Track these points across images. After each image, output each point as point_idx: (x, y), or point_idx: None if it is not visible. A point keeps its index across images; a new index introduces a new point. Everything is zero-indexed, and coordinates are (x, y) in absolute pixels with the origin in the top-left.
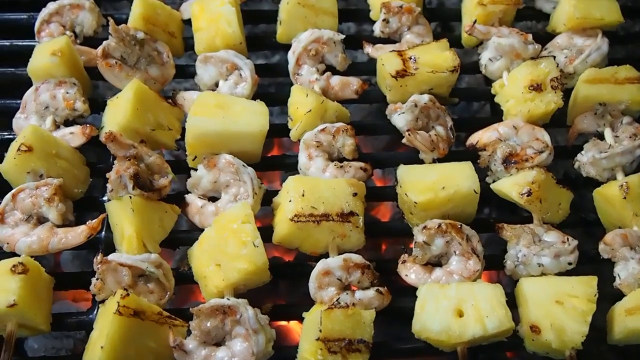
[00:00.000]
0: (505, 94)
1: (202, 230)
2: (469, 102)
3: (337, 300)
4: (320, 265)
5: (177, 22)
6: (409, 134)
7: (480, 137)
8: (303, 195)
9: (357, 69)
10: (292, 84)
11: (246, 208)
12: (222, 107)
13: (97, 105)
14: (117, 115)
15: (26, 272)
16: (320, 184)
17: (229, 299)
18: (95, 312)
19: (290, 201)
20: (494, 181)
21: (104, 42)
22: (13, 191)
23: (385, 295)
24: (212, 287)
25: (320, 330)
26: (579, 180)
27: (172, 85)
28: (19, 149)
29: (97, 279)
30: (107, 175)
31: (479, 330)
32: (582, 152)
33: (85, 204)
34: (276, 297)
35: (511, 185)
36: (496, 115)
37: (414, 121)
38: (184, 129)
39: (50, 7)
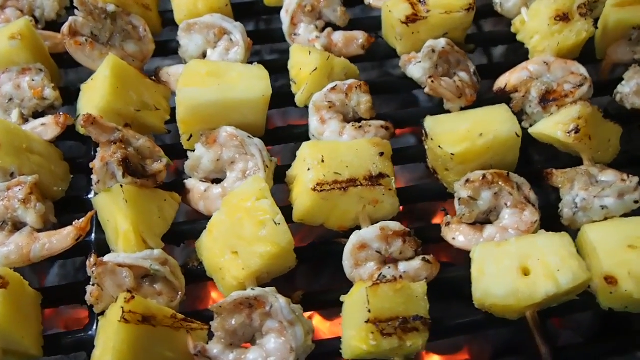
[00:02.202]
0: (528, 31)
1: (208, 217)
2: (486, 47)
3: (379, 276)
4: (354, 238)
5: None
6: (432, 81)
7: (508, 79)
8: (322, 161)
9: (358, 26)
10: (288, 50)
11: (259, 182)
12: (216, 75)
13: (68, 94)
14: (94, 97)
15: (5, 286)
16: (340, 147)
17: (253, 290)
18: (94, 327)
19: (308, 169)
20: (530, 125)
21: (70, 18)
22: None
23: (433, 263)
24: (231, 279)
25: (369, 311)
26: (622, 115)
27: (153, 64)
28: None
29: (93, 285)
30: (91, 164)
31: (552, 287)
32: (623, 82)
33: (67, 205)
34: (298, 286)
35: (554, 125)
36: (518, 58)
37: (433, 69)
38: (172, 110)
39: None
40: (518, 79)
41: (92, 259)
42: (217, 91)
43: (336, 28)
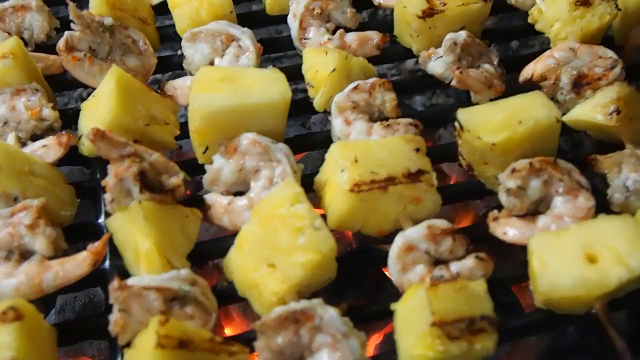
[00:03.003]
0: (547, 19)
1: (234, 234)
2: (499, 42)
3: (434, 277)
4: (400, 240)
5: (146, 7)
6: (459, 72)
7: (534, 68)
8: (356, 161)
9: (368, 28)
10: (295, 57)
11: (293, 186)
12: (230, 81)
13: (67, 117)
14: (99, 113)
15: (21, 318)
16: (372, 146)
17: (298, 303)
18: None
19: (342, 171)
20: (563, 114)
21: (66, 33)
22: None
23: (487, 261)
24: (269, 295)
25: (433, 313)
26: None
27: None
28: None
29: (119, 311)
30: (103, 182)
31: (624, 272)
32: None
33: (76, 232)
34: (339, 299)
35: (592, 109)
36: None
37: (456, 62)
38: (181, 125)
39: None
40: (545, 67)
41: (115, 283)
42: (234, 96)
43: (346, 30)
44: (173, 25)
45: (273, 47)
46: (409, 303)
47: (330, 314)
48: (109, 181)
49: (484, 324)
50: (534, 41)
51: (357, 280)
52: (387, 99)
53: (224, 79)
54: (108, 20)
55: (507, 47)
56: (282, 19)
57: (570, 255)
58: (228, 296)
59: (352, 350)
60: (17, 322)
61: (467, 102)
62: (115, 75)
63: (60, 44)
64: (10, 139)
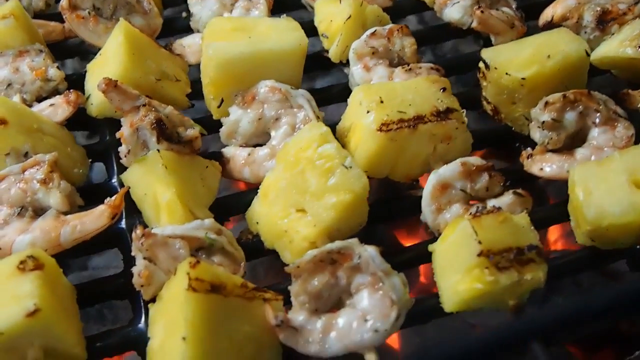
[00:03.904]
0: None
1: (256, 187)
2: None
3: (475, 211)
4: (434, 178)
5: None
6: (481, 12)
7: (554, 10)
8: (381, 102)
9: None
10: (303, 15)
11: (318, 126)
12: (243, 29)
13: (71, 82)
14: (108, 69)
15: (41, 268)
16: (397, 87)
17: (333, 243)
18: (142, 319)
19: (368, 112)
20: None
21: None
22: None
23: (526, 197)
24: (301, 240)
25: (480, 242)
26: None
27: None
28: None
29: (143, 261)
30: (118, 134)
31: None
32: None
33: (89, 194)
34: None
35: (619, 44)
36: None
37: (474, 6)
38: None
39: None
40: (565, 7)
41: (139, 230)
42: (249, 44)
43: None
44: None
45: (278, 6)
46: (449, 239)
47: (369, 252)
48: (124, 132)
49: (532, 254)
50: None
51: (387, 229)
52: (406, 44)
53: (238, 28)
54: None
55: None
56: None
57: (616, 182)
58: (254, 250)
59: (395, 289)
60: (38, 271)
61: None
62: (124, 29)
63: (64, 2)
64: (16, 100)
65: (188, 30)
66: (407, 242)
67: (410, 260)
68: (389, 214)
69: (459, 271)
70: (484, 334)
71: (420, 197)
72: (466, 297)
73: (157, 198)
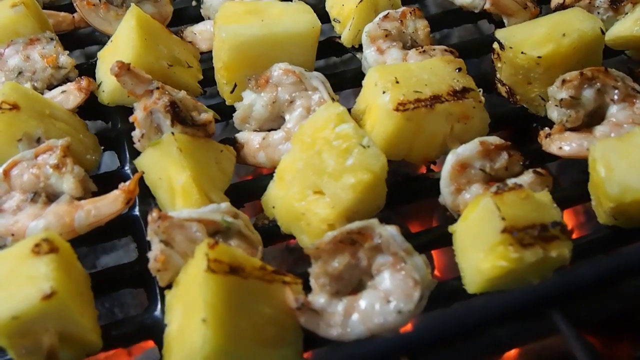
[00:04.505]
0: None
1: (271, 172)
2: None
3: (497, 189)
4: (452, 158)
5: None
6: None
7: None
8: (397, 82)
9: None
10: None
11: (335, 106)
12: (256, 12)
13: (82, 71)
14: (121, 54)
15: (56, 251)
16: (412, 68)
17: (352, 224)
18: (158, 306)
19: (384, 92)
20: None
21: None
22: (4, 167)
23: (546, 176)
24: (319, 222)
25: (503, 219)
26: None
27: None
28: (0, 109)
29: (159, 244)
30: (131, 118)
31: None
32: None
33: (102, 181)
34: None
35: (634, 23)
36: None
37: None
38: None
39: None
40: None
41: (155, 213)
42: (262, 26)
43: None
44: None
45: None
46: (471, 217)
47: (389, 231)
48: (137, 115)
49: (556, 230)
50: None
51: (405, 211)
52: (419, 27)
53: (250, 11)
54: None
55: None
56: None
57: (639, 157)
58: (270, 234)
59: (417, 268)
60: (53, 254)
61: None
62: (135, 14)
63: None
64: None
65: (198, 20)
66: None
67: (428, 244)
68: (405, 197)
69: (482, 249)
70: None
71: (437, 179)
72: (490, 275)
73: (172, 182)
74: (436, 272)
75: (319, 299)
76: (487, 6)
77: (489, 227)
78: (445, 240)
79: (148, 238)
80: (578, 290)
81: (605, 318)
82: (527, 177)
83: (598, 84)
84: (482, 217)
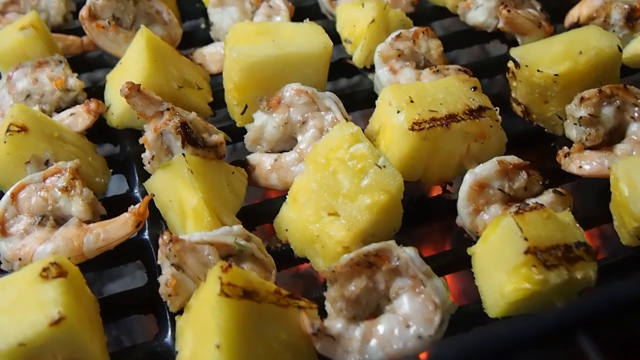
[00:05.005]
0: None
1: (281, 194)
2: None
3: (518, 208)
4: (470, 178)
5: None
6: (507, 11)
7: (579, 11)
8: (412, 101)
9: None
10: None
11: (349, 126)
12: (267, 33)
13: (90, 94)
14: (130, 75)
15: (65, 275)
16: (426, 87)
17: (369, 245)
18: (169, 332)
19: (398, 112)
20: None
21: (88, 1)
22: (12, 189)
23: (567, 196)
24: (334, 245)
25: (526, 239)
26: None
27: None
28: (8, 131)
29: (170, 268)
30: (142, 140)
31: None
32: None
33: (111, 204)
34: None
35: None
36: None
37: (498, 7)
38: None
39: None
40: (591, 7)
41: (166, 236)
42: (274, 47)
43: None
44: (193, 3)
45: (298, 15)
46: (491, 238)
47: (408, 253)
48: (148, 136)
49: (580, 251)
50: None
51: (421, 234)
52: (432, 46)
53: (261, 32)
54: None
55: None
56: None
57: None
58: (283, 258)
59: (437, 291)
60: (61, 278)
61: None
62: (145, 36)
63: (83, 11)
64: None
65: (208, 42)
66: None
67: (445, 267)
68: (421, 218)
69: (504, 271)
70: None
71: (453, 200)
72: (513, 298)
73: (183, 204)
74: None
75: (335, 323)
76: (500, 25)
77: (511, 248)
78: (463, 263)
79: (159, 262)
80: (606, 314)
81: (634, 342)
82: (547, 197)
83: (618, 101)
84: (503, 237)
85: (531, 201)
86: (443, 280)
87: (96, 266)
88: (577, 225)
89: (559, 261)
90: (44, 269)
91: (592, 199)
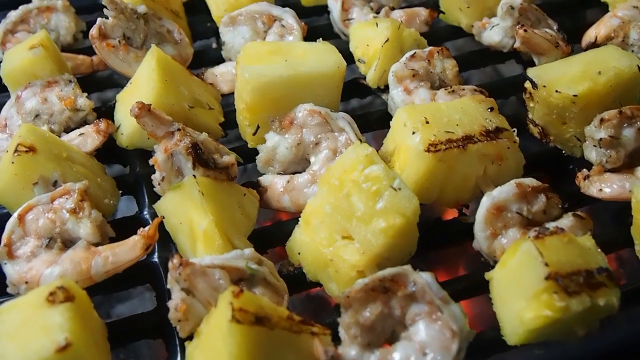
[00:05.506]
0: None
1: (296, 216)
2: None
3: (537, 233)
4: (487, 201)
5: (178, 1)
6: (524, 30)
7: (597, 31)
8: (427, 122)
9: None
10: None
11: (363, 147)
12: (279, 53)
13: (100, 114)
14: (141, 95)
15: (72, 300)
16: (442, 108)
17: (384, 270)
18: (178, 359)
19: (413, 133)
20: None
21: (99, 20)
22: (19, 211)
23: (586, 220)
24: (348, 269)
25: (547, 264)
26: None
27: None
28: (16, 151)
29: (180, 292)
30: (152, 161)
31: None
32: None
33: (119, 227)
34: None
35: None
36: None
37: (515, 27)
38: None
39: (13, 15)
40: (609, 27)
41: (176, 259)
42: (287, 67)
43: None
44: (204, 22)
45: (311, 34)
46: (510, 263)
47: (424, 278)
48: (158, 157)
49: (602, 277)
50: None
51: (436, 257)
52: (447, 66)
53: (274, 52)
54: (142, 8)
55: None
56: (318, 10)
57: None
58: (296, 282)
59: (455, 318)
60: (68, 303)
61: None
62: (156, 55)
63: (93, 31)
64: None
65: (219, 61)
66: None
67: (462, 292)
68: (437, 242)
69: (524, 297)
70: None
71: (470, 223)
72: (533, 326)
73: (194, 227)
74: None
75: (350, 350)
76: (517, 45)
77: (530, 274)
78: (480, 288)
79: (168, 286)
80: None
81: None
82: (567, 221)
83: (638, 122)
84: (523, 262)
85: (550, 225)
86: (460, 307)
87: (104, 289)
88: (599, 250)
89: (581, 287)
90: (51, 293)
91: (609, 221)
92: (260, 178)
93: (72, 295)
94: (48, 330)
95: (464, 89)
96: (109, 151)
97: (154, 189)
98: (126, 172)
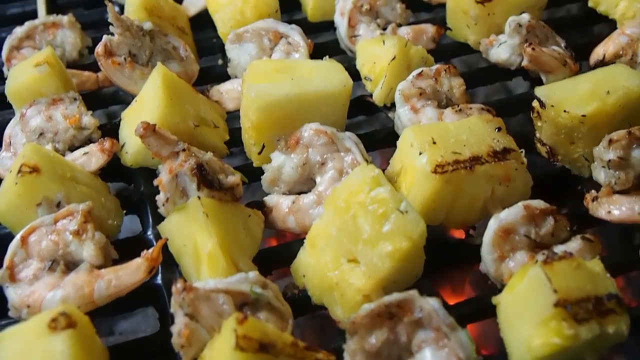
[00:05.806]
0: (610, 0)
1: (301, 238)
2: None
3: (546, 257)
4: (494, 224)
5: (184, 17)
6: (532, 49)
7: (605, 49)
8: (434, 143)
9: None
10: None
11: (370, 169)
12: (286, 71)
13: (105, 132)
14: (146, 114)
15: (74, 326)
16: (449, 127)
17: (391, 295)
18: None
19: (420, 153)
20: None
21: (104, 37)
22: (22, 232)
23: (595, 242)
24: (353, 293)
25: (555, 291)
26: None
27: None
28: (20, 172)
29: (184, 318)
30: (156, 181)
31: None
32: None
33: (123, 247)
34: None
35: None
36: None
37: (522, 45)
38: (231, 131)
39: (18, 30)
40: (617, 45)
41: (179, 284)
42: (293, 85)
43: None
44: (210, 39)
45: (317, 51)
46: (518, 288)
47: (431, 304)
48: (162, 178)
49: (612, 303)
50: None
51: (442, 279)
52: (454, 85)
53: (280, 70)
54: (148, 25)
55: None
56: (325, 26)
57: None
58: (300, 305)
59: (462, 345)
60: (70, 329)
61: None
62: (161, 73)
63: (99, 48)
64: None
65: (224, 78)
66: (453, 301)
67: (468, 316)
68: (443, 264)
69: (532, 324)
70: None
71: (477, 245)
72: (541, 353)
73: (198, 249)
74: None
75: None
76: (524, 63)
77: (539, 300)
78: (486, 312)
79: (172, 310)
80: None
81: None
82: (575, 244)
83: None
84: (531, 288)
85: (558, 248)
86: (467, 333)
87: (107, 311)
88: (608, 275)
89: (590, 315)
90: (53, 320)
91: (617, 240)
92: (265, 198)
93: (74, 321)
94: (50, 358)
95: (471, 108)
96: (113, 169)
97: (158, 210)
98: (130, 190)
